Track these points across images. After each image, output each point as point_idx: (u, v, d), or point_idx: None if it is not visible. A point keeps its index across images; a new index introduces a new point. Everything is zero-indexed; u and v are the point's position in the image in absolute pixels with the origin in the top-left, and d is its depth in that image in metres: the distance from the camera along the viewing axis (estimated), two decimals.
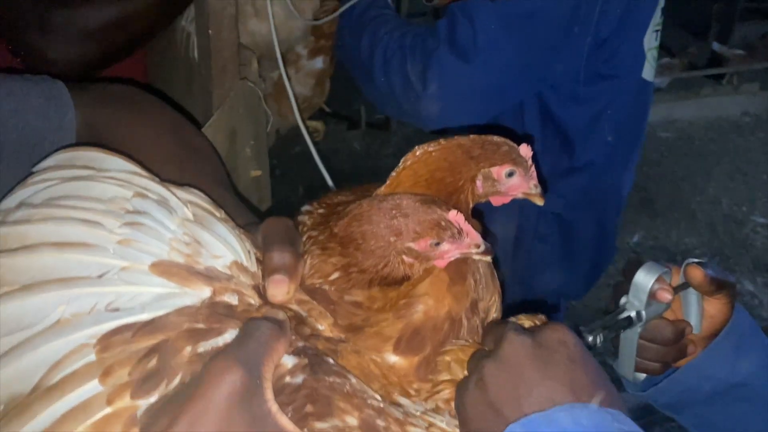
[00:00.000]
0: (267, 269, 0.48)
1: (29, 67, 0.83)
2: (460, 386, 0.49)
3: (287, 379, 0.44)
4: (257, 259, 0.50)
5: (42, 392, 0.41)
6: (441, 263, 0.56)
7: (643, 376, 0.72)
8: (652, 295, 0.64)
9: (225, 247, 0.47)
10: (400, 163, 0.59)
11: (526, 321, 0.53)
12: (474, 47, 1.03)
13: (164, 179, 0.50)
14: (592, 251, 1.39)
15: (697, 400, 0.70)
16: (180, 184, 0.51)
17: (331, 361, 0.48)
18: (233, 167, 1.05)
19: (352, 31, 1.20)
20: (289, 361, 0.45)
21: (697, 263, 0.66)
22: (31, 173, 0.50)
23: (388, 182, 0.58)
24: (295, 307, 0.49)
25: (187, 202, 0.49)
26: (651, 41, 1.24)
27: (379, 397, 0.47)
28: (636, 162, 1.40)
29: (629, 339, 0.67)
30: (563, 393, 0.43)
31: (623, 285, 0.67)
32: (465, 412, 0.47)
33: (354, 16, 1.20)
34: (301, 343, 0.47)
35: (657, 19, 1.24)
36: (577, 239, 1.35)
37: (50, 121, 0.64)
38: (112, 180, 0.47)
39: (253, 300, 0.47)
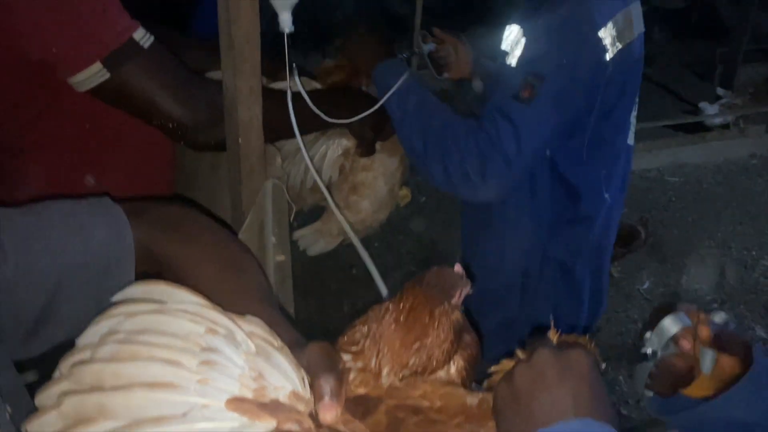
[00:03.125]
0: (317, 395, 0.57)
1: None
2: (498, 382, 0.63)
3: None
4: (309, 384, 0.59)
5: None
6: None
7: (651, 393, 0.86)
8: (674, 341, 0.77)
9: (285, 379, 0.55)
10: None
11: (568, 338, 0.66)
12: (519, 154, 1.20)
13: (225, 307, 0.58)
14: (589, 299, 1.53)
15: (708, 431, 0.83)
16: (240, 313, 0.59)
17: None
18: (260, 255, 1.14)
19: (399, 122, 1.32)
20: None
21: (712, 316, 0.79)
22: (112, 304, 0.57)
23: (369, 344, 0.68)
24: (341, 427, 0.58)
25: (250, 334, 0.57)
26: (632, 108, 1.42)
27: None
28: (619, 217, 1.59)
29: (643, 367, 0.81)
30: (566, 401, 0.56)
31: (653, 319, 0.79)
32: (495, 401, 0.62)
33: (395, 104, 1.31)
34: None
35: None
36: (577, 286, 1.49)
37: (114, 247, 0.72)
38: (185, 314, 0.55)
39: (309, 425, 0.55)
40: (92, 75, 0.93)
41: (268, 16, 1.03)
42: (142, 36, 0.96)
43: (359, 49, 1.43)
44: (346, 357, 0.67)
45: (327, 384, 0.58)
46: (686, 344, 0.77)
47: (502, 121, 1.22)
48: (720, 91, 4.29)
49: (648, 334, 0.79)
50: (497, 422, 0.61)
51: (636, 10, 1.32)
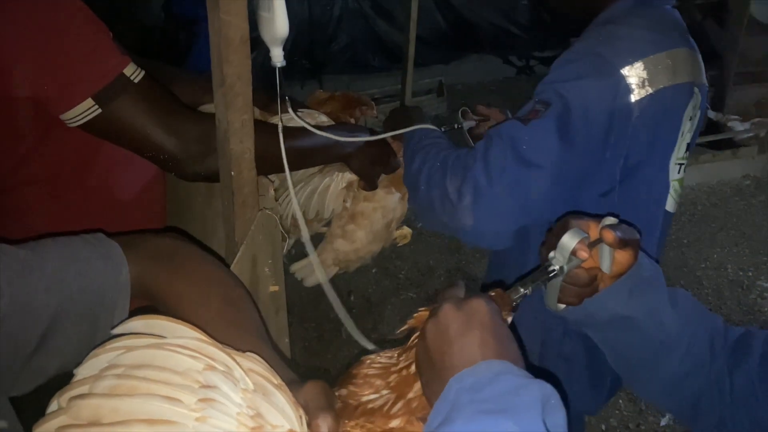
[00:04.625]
0: None
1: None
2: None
3: None
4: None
5: None
6: None
7: (562, 306, 0.92)
8: (573, 252, 0.83)
9: (282, 417, 0.56)
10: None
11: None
12: (502, 171, 1.07)
13: (221, 342, 0.59)
14: (613, 371, 1.38)
15: (597, 323, 0.91)
16: (236, 347, 0.60)
17: None
18: (254, 285, 1.15)
19: (409, 160, 1.26)
20: None
21: (609, 226, 0.84)
22: (111, 337, 0.58)
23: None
24: None
25: (249, 371, 0.57)
26: (674, 173, 1.23)
27: None
28: None
29: (553, 285, 0.88)
30: (472, 349, 0.61)
31: (550, 241, 0.85)
32: (416, 360, 0.68)
33: (410, 148, 1.27)
34: None
35: (682, 152, 1.23)
36: (601, 359, 1.27)
37: (109, 281, 0.73)
38: (184, 350, 0.55)
39: None
40: (83, 111, 0.95)
41: (264, 49, 1.06)
42: (132, 71, 0.98)
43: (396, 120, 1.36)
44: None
45: (324, 423, 0.58)
46: (584, 254, 0.83)
47: (495, 137, 1.12)
48: (711, 114, 4.33)
49: (552, 254, 0.84)
50: (420, 380, 0.67)
51: (686, 57, 1.17)
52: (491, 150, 1.09)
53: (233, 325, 0.71)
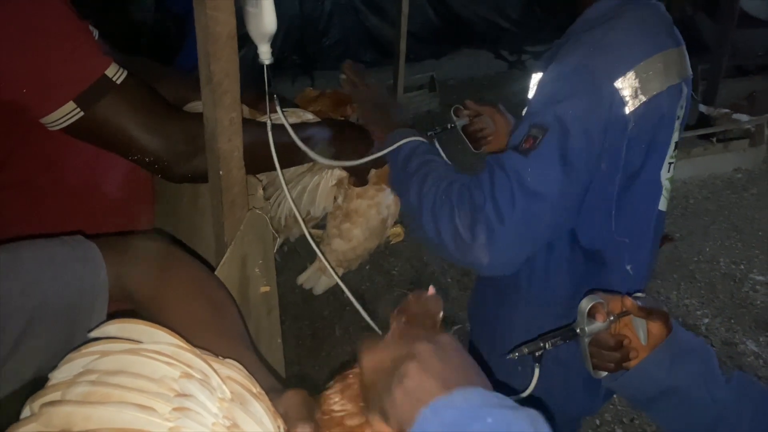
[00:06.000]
0: None
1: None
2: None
3: None
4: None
5: None
6: None
7: (603, 373, 0.98)
8: (591, 315, 0.93)
9: (260, 428, 0.54)
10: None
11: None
12: (512, 207, 1.06)
13: (201, 348, 0.57)
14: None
15: (648, 398, 0.94)
16: (216, 354, 0.58)
17: None
18: (244, 286, 1.13)
19: (399, 182, 1.22)
20: None
21: (633, 296, 0.92)
22: (87, 341, 0.56)
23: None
24: None
25: (227, 379, 0.56)
26: (665, 172, 1.23)
27: None
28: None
29: (582, 348, 0.95)
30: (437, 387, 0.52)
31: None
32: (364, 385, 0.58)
33: (398, 165, 1.23)
34: None
35: (671, 151, 1.22)
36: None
37: (86, 283, 0.71)
38: (160, 356, 0.54)
39: None
40: (65, 114, 0.92)
41: (253, 45, 1.04)
42: (115, 72, 0.96)
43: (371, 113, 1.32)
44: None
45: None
46: (600, 316, 0.90)
47: (499, 171, 1.08)
48: (702, 107, 4.34)
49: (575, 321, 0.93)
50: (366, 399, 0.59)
51: (675, 57, 1.15)
52: (497, 187, 1.08)
53: (215, 331, 0.70)
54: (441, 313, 0.71)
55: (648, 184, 1.20)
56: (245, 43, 0.98)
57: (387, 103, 1.33)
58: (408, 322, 0.66)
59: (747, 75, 5.10)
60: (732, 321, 3.09)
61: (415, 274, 3.42)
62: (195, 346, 0.58)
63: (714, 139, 4.25)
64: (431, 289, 0.72)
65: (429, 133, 1.42)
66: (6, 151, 1.00)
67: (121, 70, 0.96)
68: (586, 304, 0.92)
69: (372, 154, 1.26)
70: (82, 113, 0.93)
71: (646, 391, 0.94)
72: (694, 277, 3.38)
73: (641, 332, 0.94)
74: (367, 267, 3.51)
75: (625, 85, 1.07)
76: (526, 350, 0.92)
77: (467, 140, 1.57)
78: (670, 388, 0.92)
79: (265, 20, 0.99)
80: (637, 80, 1.08)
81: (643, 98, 1.09)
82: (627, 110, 1.08)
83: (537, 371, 0.95)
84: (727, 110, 4.32)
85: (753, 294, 3.27)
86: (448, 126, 1.52)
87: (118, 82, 0.95)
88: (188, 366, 0.54)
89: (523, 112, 1.24)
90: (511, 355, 0.91)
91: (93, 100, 0.93)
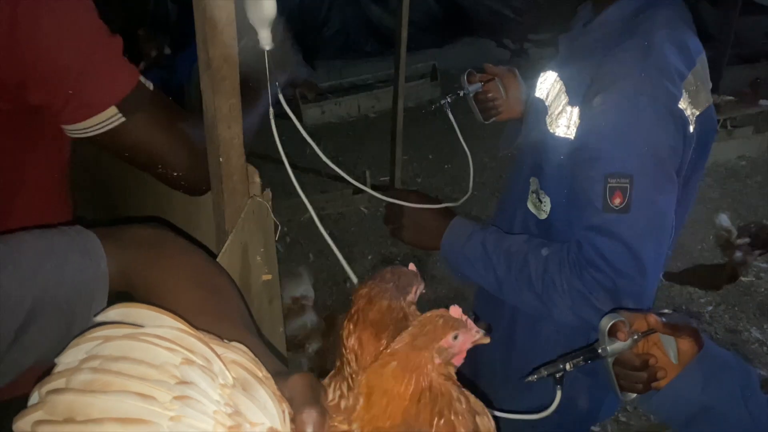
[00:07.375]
0: (299, 430, 0.55)
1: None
2: None
3: None
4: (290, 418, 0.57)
5: None
6: (459, 359, 0.66)
7: (632, 395, 0.94)
8: (613, 334, 0.88)
9: (263, 414, 0.53)
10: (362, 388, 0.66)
11: None
12: (641, 268, 1.05)
13: (205, 331, 0.56)
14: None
15: (686, 419, 0.90)
16: (222, 337, 0.58)
17: None
18: (246, 274, 1.13)
19: (496, 289, 1.21)
20: None
21: (659, 312, 0.88)
22: (93, 325, 0.56)
23: (364, 404, 0.65)
24: None
25: (232, 363, 0.55)
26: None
27: None
28: None
29: (605, 368, 0.91)
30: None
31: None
32: None
33: (482, 271, 1.24)
34: None
35: None
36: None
37: (86, 273, 0.71)
38: (162, 341, 0.53)
39: None
40: (104, 120, 0.91)
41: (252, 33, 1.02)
42: (144, 80, 0.96)
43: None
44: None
45: (310, 418, 0.56)
46: (622, 335, 0.86)
47: (602, 238, 1.04)
48: None
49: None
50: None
51: (704, 59, 1.15)
52: (609, 256, 1.04)
53: (217, 314, 0.69)
54: (419, 287, 0.77)
55: (691, 194, 1.21)
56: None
57: (425, 218, 1.38)
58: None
59: (750, 62, 5.06)
60: (736, 308, 3.09)
61: (418, 264, 3.40)
62: (199, 329, 0.57)
63: (718, 127, 4.22)
64: (412, 266, 0.78)
65: (441, 102, 1.39)
66: None
67: (146, 79, 0.96)
68: (606, 323, 0.88)
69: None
70: (123, 119, 0.92)
71: (681, 411, 0.90)
72: (699, 264, 3.37)
73: (671, 350, 0.90)
74: (369, 257, 3.51)
75: (685, 105, 1.05)
76: (545, 372, 0.89)
77: (477, 109, 1.49)
78: (705, 407, 0.88)
79: (265, 3, 0.98)
80: (688, 96, 1.06)
81: (697, 112, 1.08)
82: (691, 129, 1.07)
83: (559, 394, 0.90)
84: (731, 97, 4.29)
85: (757, 282, 3.26)
86: (460, 93, 1.45)
87: (151, 88, 0.95)
88: (190, 351, 0.53)
89: (542, 128, 1.20)
90: (530, 378, 0.89)
91: (133, 107, 0.92)
